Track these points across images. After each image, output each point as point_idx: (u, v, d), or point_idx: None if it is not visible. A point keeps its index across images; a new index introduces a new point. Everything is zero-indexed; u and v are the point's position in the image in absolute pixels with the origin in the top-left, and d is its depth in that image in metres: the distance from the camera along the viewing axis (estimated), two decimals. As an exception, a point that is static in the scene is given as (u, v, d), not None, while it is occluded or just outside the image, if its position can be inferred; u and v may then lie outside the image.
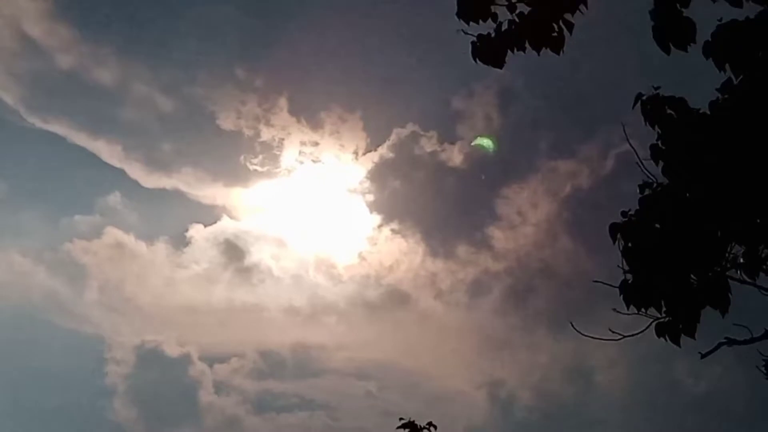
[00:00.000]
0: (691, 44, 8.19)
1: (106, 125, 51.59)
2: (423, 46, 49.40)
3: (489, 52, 8.69)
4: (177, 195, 50.17)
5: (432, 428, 14.61)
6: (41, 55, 47.80)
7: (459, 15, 8.62)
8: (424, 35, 47.23)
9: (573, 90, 46.68)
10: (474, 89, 50.72)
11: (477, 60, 8.73)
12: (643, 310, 8.34)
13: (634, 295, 8.33)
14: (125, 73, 49.15)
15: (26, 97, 49.19)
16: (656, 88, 8.65)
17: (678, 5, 8.11)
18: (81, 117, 51.33)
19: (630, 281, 8.35)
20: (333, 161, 49.00)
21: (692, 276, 8.28)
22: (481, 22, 8.61)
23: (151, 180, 50.01)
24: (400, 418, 14.57)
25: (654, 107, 8.59)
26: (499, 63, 8.72)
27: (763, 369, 8.81)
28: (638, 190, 8.55)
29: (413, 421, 14.53)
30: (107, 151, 48.80)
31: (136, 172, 49.30)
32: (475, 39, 8.68)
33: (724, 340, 8.60)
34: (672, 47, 8.23)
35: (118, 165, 48.88)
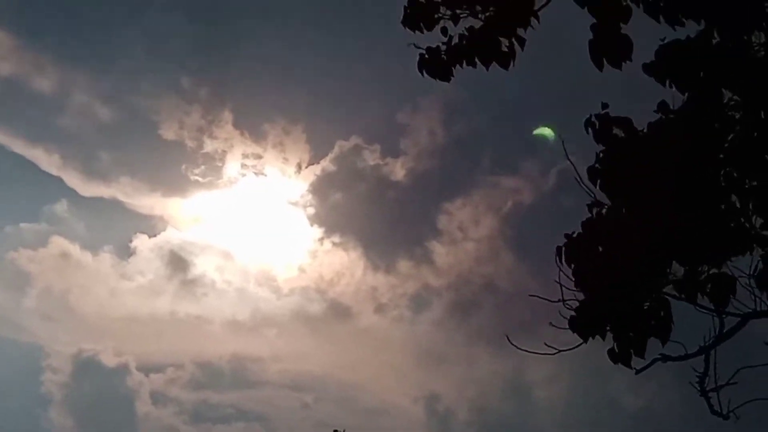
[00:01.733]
0: (626, 62, 8.27)
1: (45, 133, 51.02)
2: (369, 60, 49.58)
3: (437, 65, 8.65)
4: (115, 204, 49.75)
5: (363, 440, 14.57)
6: (-21, 62, 47.15)
7: (404, 22, 8.60)
8: (371, 49, 47.42)
9: (517, 105, 47.07)
10: (419, 104, 51.00)
11: (423, 73, 8.73)
12: (594, 338, 8.40)
13: (582, 326, 8.38)
14: (65, 81, 48.64)
15: (-37, 105, 48.61)
16: (605, 107, 8.66)
17: (619, 22, 8.17)
18: (20, 124, 50.72)
19: (576, 311, 8.39)
20: (276, 174, 48.92)
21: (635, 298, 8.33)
22: (426, 32, 8.61)
23: (89, 189, 49.56)
24: (334, 430, 14.56)
25: (602, 126, 8.64)
26: (446, 77, 8.71)
27: (696, 385, 8.90)
28: (587, 209, 8.59)
29: (344, 432, 14.51)
30: (45, 160, 48.27)
31: (73, 180, 48.86)
32: (424, 52, 8.70)
33: (659, 357, 8.66)
34: (606, 63, 8.31)
35: (56, 173, 48.39)
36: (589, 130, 8.61)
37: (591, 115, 8.64)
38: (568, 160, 8.89)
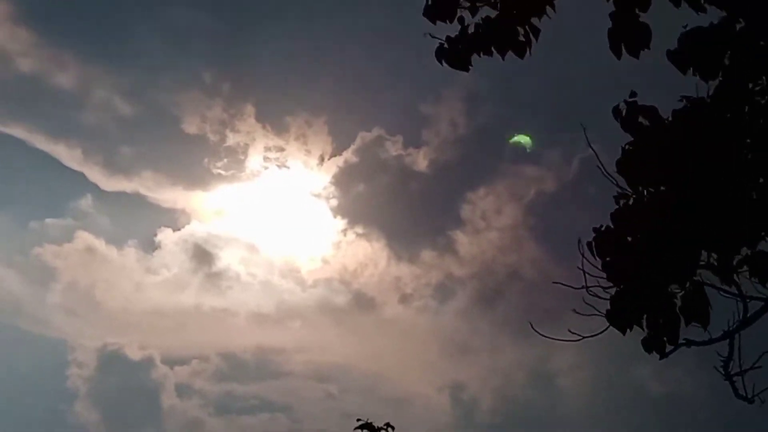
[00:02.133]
0: (645, 50, 8.29)
1: (66, 129, 51.36)
2: (391, 51, 49.54)
3: (455, 54, 8.67)
4: (137, 198, 49.97)
5: (389, 429, 14.67)
6: (1, 59, 47.49)
7: (425, 14, 8.59)
8: (393, 40, 47.37)
9: (539, 93, 46.98)
10: (441, 94, 50.99)
11: (442, 62, 8.73)
12: (628, 331, 8.43)
13: (620, 319, 8.43)
14: (86, 77, 48.91)
15: (-15, 101, 48.92)
16: (633, 95, 8.59)
17: (636, 9, 8.19)
18: (41, 121, 51.05)
19: (611, 304, 8.44)
20: (298, 166, 49.03)
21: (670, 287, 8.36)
22: (447, 23, 8.66)
23: (111, 183, 49.83)
24: (358, 419, 14.64)
25: (629, 114, 8.57)
26: (464, 66, 8.71)
27: (721, 370, 8.91)
28: (614, 201, 8.61)
29: (370, 422, 14.61)
30: (67, 155, 48.57)
31: (95, 175, 49.15)
32: (442, 41, 8.79)
33: (683, 341, 8.68)
34: (624, 52, 8.31)
35: (77, 168, 48.69)
36: (618, 118, 8.61)
37: (619, 103, 8.65)
38: (591, 148, 8.91)
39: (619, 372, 43.34)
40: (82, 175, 48.83)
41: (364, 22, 48.68)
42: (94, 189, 49.40)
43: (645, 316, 8.35)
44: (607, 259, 8.44)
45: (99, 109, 49.45)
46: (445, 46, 8.66)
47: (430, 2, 8.54)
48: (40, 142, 48.68)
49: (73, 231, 49.29)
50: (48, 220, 50.08)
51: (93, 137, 50.77)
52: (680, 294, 8.34)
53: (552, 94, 47.09)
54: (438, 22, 8.66)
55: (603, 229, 8.50)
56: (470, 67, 8.73)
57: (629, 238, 8.45)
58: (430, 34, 8.63)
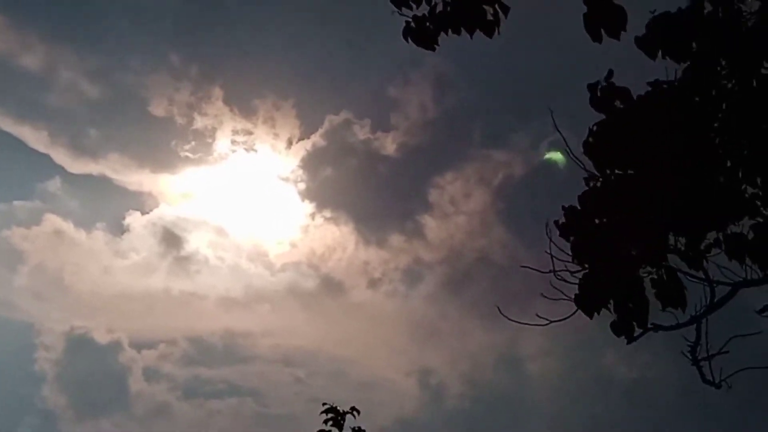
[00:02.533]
0: (623, 32, 8.21)
1: (32, 111, 50.88)
2: (359, 34, 49.38)
3: (422, 33, 8.55)
4: (104, 181, 49.63)
5: (355, 413, 14.64)
6: (-34, 41, 46.90)
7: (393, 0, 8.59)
8: (360, 22, 47.19)
9: (507, 78, 46.99)
10: (410, 77, 50.90)
11: (408, 40, 8.59)
12: (596, 314, 8.40)
13: (587, 302, 8.39)
14: (52, 59, 48.40)
15: (-52, 83, 48.35)
16: (609, 75, 8.53)
17: None
18: (7, 102, 50.52)
19: (579, 287, 8.39)
20: (266, 150, 48.83)
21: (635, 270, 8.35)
22: (414, 7, 8.56)
23: (77, 166, 49.44)
24: (323, 404, 14.58)
25: (605, 94, 8.51)
26: (430, 45, 8.62)
27: (688, 355, 8.92)
28: (584, 183, 8.56)
29: (335, 407, 14.56)
30: (33, 137, 48.12)
31: (61, 157, 48.73)
32: (410, 20, 8.65)
33: (651, 326, 8.67)
34: (604, 35, 8.25)
35: (44, 150, 48.26)
36: (592, 96, 8.55)
37: (598, 81, 8.57)
38: (558, 131, 8.86)
39: (587, 357, 43.58)
40: (48, 157, 48.40)
41: (333, 4, 48.44)
42: (61, 171, 49.04)
43: (612, 299, 8.32)
44: (571, 239, 8.40)
45: (65, 90, 49.01)
46: (412, 24, 8.55)
47: None
48: (6, 124, 48.30)
49: (41, 214, 48.93)
50: (16, 203, 49.66)
51: (59, 119, 50.35)
52: (652, 278, 8.32)
53: (520, 78, 47.12)
54: (405, 9, 8.57)
55: (571, 209, 8.45)
56: (437, 46, 8.63)
57: (596, 220, 8.41)
58: (398, 12, 8.51)
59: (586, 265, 8.38)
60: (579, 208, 8.45)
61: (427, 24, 8.50)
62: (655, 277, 8.32)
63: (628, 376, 43.86)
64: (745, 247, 8.22)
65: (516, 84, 47.33)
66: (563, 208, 8.45)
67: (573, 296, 8.40)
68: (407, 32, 8.60)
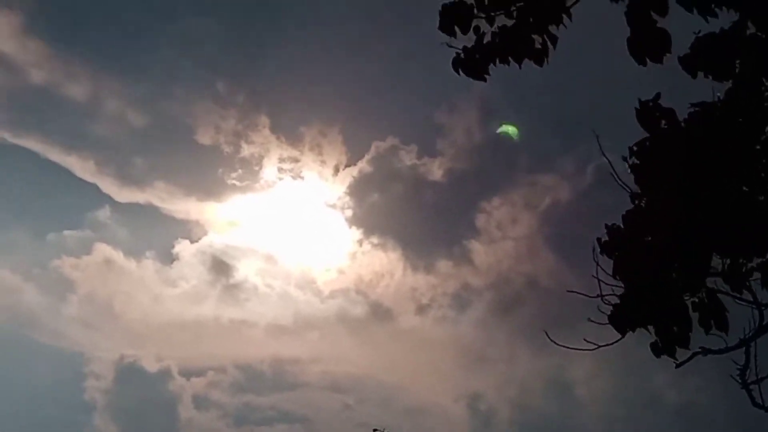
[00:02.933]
0: (667, 55, 8.25)
1: (78, 140, 51.55)
2: (405, 60, 49.58)
3: (471, 64, 8.64)
4: (150, 209, 50.08)
5: (403, 437, 14.65)
6: (14, 71, 47.77)
7: (441, 28, 8.60)
8: (407, 49, 47.39)
9: (553, 102, 46.93)
10: (455, 104, 51.01)
11: (459, 71, 8.68)
12: (634, 332, 8.40)
13: (622, 320, 8.40)
14: (97, 88, 49.05)
15: (-1, 113, 49.10)
16: (657, 98, 8.61)
17: (653, 14, 8.15)
18: (54, 132, 51.23)
19: (615, 306, 8.41)
20: (313, 176, 49.08)
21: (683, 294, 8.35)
22: (462, 34, 8.62)
23: (123, 194, 49.97)
24: (374, 429, 14.64)
25: (651, 114, 8.60)
26: (480, 75, 8.69)
27: (737, 378, 8.86)
28: (630, 200, 8.60)
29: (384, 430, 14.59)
30: (80, 167, 48.70)
31: (108, 186, 49.27)
32: (459, 51, 8.68)
33: (699, 350, 8.65)
34: (648, 59, 8.31)
35: (90, 180, 48.83)
36: (640, 113, 8.59)
37: (648, 101, 8.63)
38: (604, 156, 8.91)
39: (636, 381, 43.17)
40: (95, 186, 48.98)
41: (379, 32, 48.79)
42: (109, 200, 49.56)
43: (654, 321, 8.33)
44: (614, 257, 8.41)
45: (111, 120, 49.66)
46: (462, 56, 8.61)
47: (444, 15, 8.49)
48: (53, 154, 48.90)
49: (92, 243, 49.44)
50: (66, 232, 50.21)
51: (105, 148, 50.95)
52: (693, 302, 8.31)
53: (565, 102, 47.05)
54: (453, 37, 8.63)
55: (614, 227, 8.48)
56: (487, 76, 8.68)
57: (640, 239, 8.43)
58: (447, 44, 8.59)
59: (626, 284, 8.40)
60: (622, 226, 8.48)
61: (477, 55, 8.56)
62: (696, 300, 8.31)
63: (678, 400, 43.38)
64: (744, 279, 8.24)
65: (561, 108, 47.30)
66: (606, 226, 8.48)
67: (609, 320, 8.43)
68: (457, 63, 8.67)
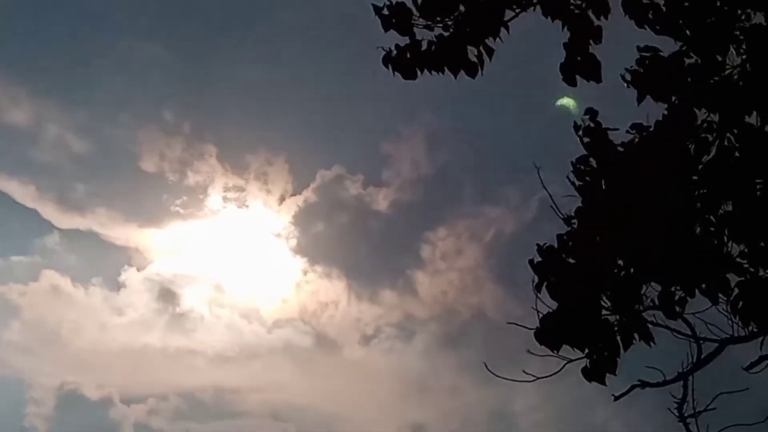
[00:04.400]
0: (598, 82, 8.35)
1: (19, 166, 50.86)
2: (352, 89, 49.60)
3: (402, 62, 8.59)
4: (91, 235, 49.42)
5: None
6: (-49, 96, 46.96)
7: (383, 23, 8.51)
8: (353, 78, 47.41)
9: (498, 133, 47.19)
10: (402, 133, 51.15)
11: (388, 66, 8.62)
12: (555, 351, 8.34)
13: (547, 335, 8.33)
14: (39, 113, 48.40)
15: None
16: (588, 113, 8.60)
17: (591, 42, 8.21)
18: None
19: (541, 321, 8.34)
20: (258, 205, 48.82)
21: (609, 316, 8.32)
22: (400, 36, 8.52)
23: (64, 220, 49.36)
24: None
25: (591, 136, 8.62)
26: (411, 75, 8.62)
27: (675, 411, 8.87)
28: (564, 223, 8.56)
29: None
30: (20, 192, 48.09)
31: (49, 212, 48.64)
32: (391, 48, 8.61)
33: (638, 383, 8.65)
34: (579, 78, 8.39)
35: (31, 205, 48.24)
36: (582, 137, 8.61)
37: (582, 120, 8.63)
38: (544, 188, 8.87)
39: (579, 413, 43.27)
40: (35, 212, 48.35)
41: (325, 59, 48.73)
42: (49, 226, 48.95)
43: (582, 343, 8.29)
44: (547, 277, 8.37)
45: (52, 145, 48.97)
46: (394, 53, 8.54)
47: (386, 13, 8.42)
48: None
49: (39, 269, 48.82)
50: (14, 258, 49.49)
51: (46, 174, 50.26)
52: (615, 321, 8.30)
53: (511, 133, 47.29)
54: (393, 35, 8.58)
55: (546, 247, 8.43)
56: (417, 76, 8.64)
57: (571, 260, 8.39)
58: (382, 47, 8.54)
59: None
60: (556, 247, 8.44)
61: (409, 55, 8.51)
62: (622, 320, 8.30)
63: None
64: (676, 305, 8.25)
65: (506, 139, 47.54)
66: (538, 245, 8.43)
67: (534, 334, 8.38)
68: (387, 60, 8.61)
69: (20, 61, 48.28)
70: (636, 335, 8.27)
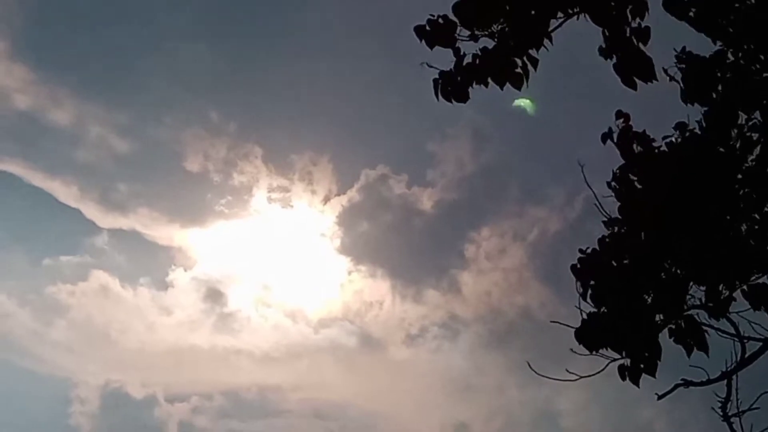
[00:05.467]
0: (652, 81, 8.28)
1: (62, 166, 51.41)
2: (397, 89, 49.59)
3: (451, 87, 8.54)
4: (135, 235, 49.88)
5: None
6: (-3, 96, 47.56)
7: (426, 41, 8.45)
8: (399, 77, 47.42)
9: (543, 132, 47.01)
10: (446, 132, 51.09)
11: (439, 97, 8.55)
12: (598, 351, 8.35)
13: (588, 336, 8.35)
14: (82, 114, 48.91)
15: (-19, 138, 49.03)
16: (619, 117, 8.64)
17: (636, 42, 8.19)
18: (37, 157, 50.88)
19: (583, 321, 8.36)
20: (303, 205, 49.00)
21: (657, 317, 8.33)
22: (444, 48, 8.52)
23: (106, 220, 49.87)
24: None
25: (623, 141, 8.64)
26: (462, 98, 8.54)
27: (719, 411, 8.84)
28: (604, 226, 8.59)
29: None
30: (63, 192, 48.60)
31: (92, 212, 49.14)
32: (437, 77, 8.54)
33: (681, 382, 8.64)
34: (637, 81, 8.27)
35: (74, 205, 48.73)
36: (606, 142, 8.63)
37: (610, 128, 8.64)
38: (588, 186, 8.89)
39: (624, 412, 43.03)
40: (78, 211, 48.86)
41: (370, 59, 48.85)
42: (92, 226, 49.43)
43: (626, 345, 8.29)
44: (590, 282, 8.38)
45: (95, 145, 49.41)
46: (441, 80, 8.54)
47: (428, 29, 8.42)
48: (36, 179, 48.73)
49: (89, 269, 49.36)
50: (63, 258, 50.01)
51: (89, 174, 50.74)
52: (670, 328, 8.29)
53: (555, 132, 47.07)
54: (438, 50, 8.58)
55: (588, 251, 8.44)
56: (468, 98, 8.60)
57: (614, 263, 8.40)
58: (428, 64, 8.52)
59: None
60: (597, 250, 8.45)
61: (457, 78, 8.51)
62: (673, 326, 8.28)
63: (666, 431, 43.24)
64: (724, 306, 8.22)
65: (551, 138, 47.34)
66: (580, 250, 8.45)
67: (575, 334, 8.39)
68: (437, 88, 8.57)
69: (64, 62, 48.98)
70: (692, 343, 8.25)
